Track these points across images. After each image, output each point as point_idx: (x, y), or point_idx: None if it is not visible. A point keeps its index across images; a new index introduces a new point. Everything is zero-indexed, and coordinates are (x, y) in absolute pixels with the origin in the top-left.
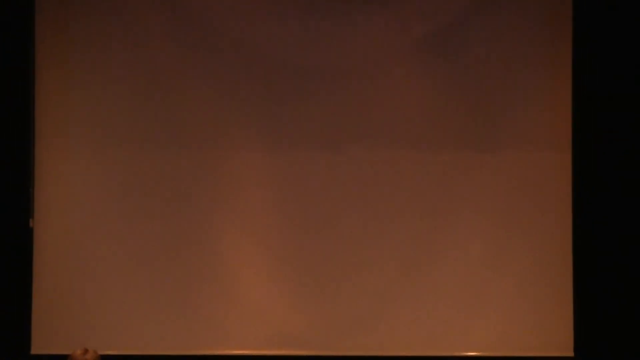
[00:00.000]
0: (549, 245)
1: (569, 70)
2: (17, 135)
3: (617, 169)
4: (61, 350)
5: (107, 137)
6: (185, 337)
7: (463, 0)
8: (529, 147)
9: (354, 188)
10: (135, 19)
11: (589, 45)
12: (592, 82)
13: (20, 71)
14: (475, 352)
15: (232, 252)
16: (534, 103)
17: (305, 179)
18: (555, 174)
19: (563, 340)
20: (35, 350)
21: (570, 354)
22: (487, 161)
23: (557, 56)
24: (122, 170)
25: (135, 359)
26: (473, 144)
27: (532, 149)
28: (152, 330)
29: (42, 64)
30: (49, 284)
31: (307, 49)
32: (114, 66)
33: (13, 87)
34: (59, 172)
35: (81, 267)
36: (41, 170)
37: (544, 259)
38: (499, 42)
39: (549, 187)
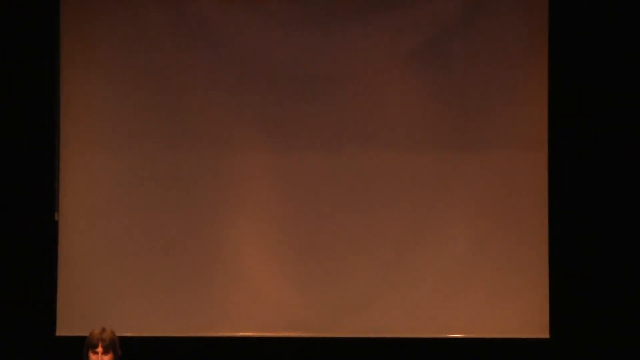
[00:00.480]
0: (527, 236)
1: (545, 78)
2: (43, 137)
3: (588, 166)
4: (83, 332)
5: (125, 138)
6: (194, 320)
7: (449, 15)
8: (509, 146)
9: (351, 184)
10: (151, 30)
11: (562, 57)
12: (565, 89)
13: (46, 77)
14: (459, 334)
15: (237, 242)
16: (514, 107)
17: (305, 176)
18: (532, 171)
19: (539, 322)
20: (60, 332)
21: (546, 335)
22: (471, 160)
23: (533, 65)
24: (138, 167)
25: (150, 340)
26: (459, 144)
27: (512, 148)
28: (165, 313)
29: (66, 71)
30: (72, 271)
31: (308, 57)
32: (132, 73)
33: (39, 92)
34: (82, 170)
35: (101, 256)
36: (65, 168)
37: (522, 249)
38: (481, 52)
39: (527, 183)
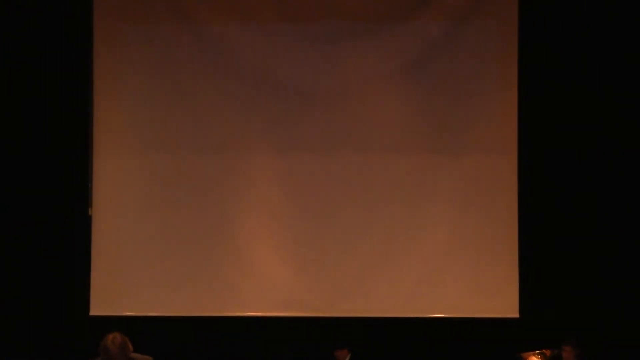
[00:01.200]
0: (499, 229)
1: (515, 93)
2: (79, 144)
3: (552, 166)
4: (113, 312)
5: (149, 143)
6: (208, 301)
7: (431, 38)
8: (484, 151)
9: (345, 183)
10: (173, 51)
11: (530, 75)
12: (532, 102)
13: (81, 93)
14: (440, 314)
15: (247, 234)
16: (487, 117)
17: (306, 176)
18: (504, 171)
19: (510, 304)
20: (93, 312)
21: (516, 315)
22: (451, 162)
23: (504, 81)
24: (161, 168)
25: (170, 319)
26: (440, 149)
27: (486, 152)
28: (183, 295)
29: (98, 86)
30: (103, 259)
31: (308, 74)
32: (156, 88)
33: (75, 105)
34: (111, 172)
35: (128, 245)
36: (97, 170)
37: (495, 240)
38: (459, 69)
39: (499, 182)
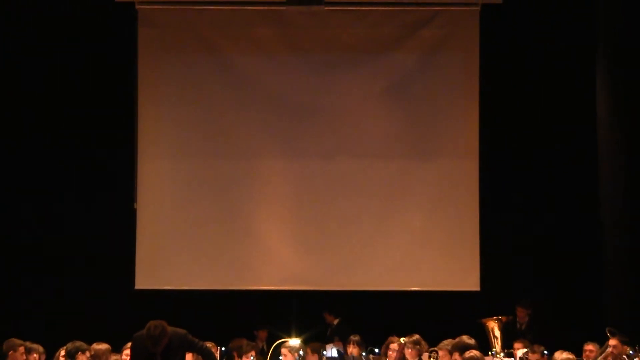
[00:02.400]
0: (463, 218)
1: (476, 109)
2: (126, 149)
3: (506, 168)
4: (156, 286)
5: (184, 149)
6: (229, 277)
7: (408, 66)
8: (451, 156)
9: (340, 182)
10: (203, 77)
11: (488, 95)
12: (490, 117)
13: (127, 105)
14: (415, 287)
15: (260, 223)
16: (454, 129)
17: (308, 176)
18: (467, 172)
19: (472, 280)
20: (137, 286)
21: (477, 288)
22: (424, 166)
23: (468, 100)
24: (193, 170)
25: (198, 292)
26: (415, 155)
27: (453, 158)
28: (210, 271)
29: (142, 104)
30: (146, 243)
31: (311, 95)
32: (189, 104)
33: (124, 120)
34: (152, 172)
35: (166, 232)
36: (141, 171)
37: (460, 227)
38: (431, 90)
39: (463, 181)
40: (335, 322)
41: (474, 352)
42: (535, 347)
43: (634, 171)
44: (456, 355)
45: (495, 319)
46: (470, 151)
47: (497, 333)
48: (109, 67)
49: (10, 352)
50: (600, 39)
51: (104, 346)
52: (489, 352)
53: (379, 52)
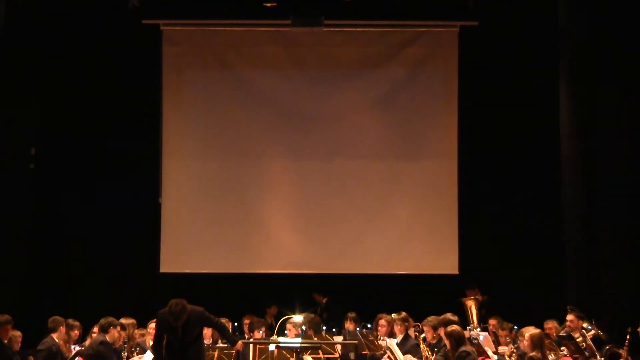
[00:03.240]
0: (444, 212)
1: (455, 116)
2: (152, 150)
3: (482, 167)
4: (178, 270)
5: (203, 151)
6: (240, 262)
7: (397, 79)
8: (433, 157)
9: (338, 180)
10: (220, 90)
11: (465, 104)
12: (468, 123)
13: (154, 113)
14: (402, 271)
15: (268, 215)
16: (435, 134)
17: (309, 175)
18: (447, 171)
19: (452, 264)
20: (162, 270)
21: (456, 272)
22: (410, 165)
23: (448, 109)
24: (210, 169)
25: (214, 275)
26: (401, 156)
27: (435, 158)
28: (224, 257)
29: (166, 112)
30: (169, 232)
31: (311, 105)
32: (207, 112)
33: (149, 122)
34: (175, 171)
35: (187, 224)
36: (166, 170)
37: (441, 219)
38: (414, 100)
39: (444, 179)
40: (324, 301)
41: (455, 327)
42: (504, 324)
43: (589, 171)
44: (440, 330)
45: (473, 298)
46: (450, 153)
47: (474, 311)
48: (139, 80)
49: (55, 328)
50: (563, 57)
51: (130, 320)
52: (467, 327)
53: (371, 67)
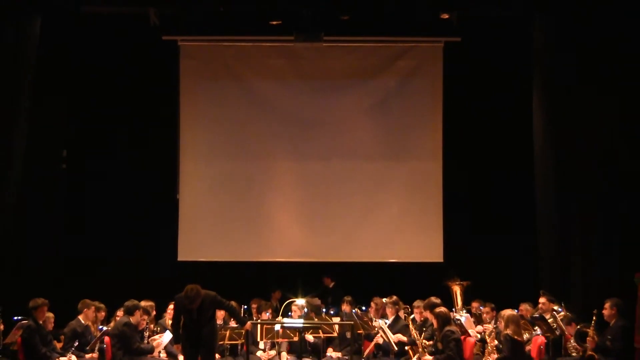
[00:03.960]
0: (430, 207)
1: (440, 122)
2: (170, 152)
3: (464, 167)
4: (194, 258)
5: (216, 152)
6: (249, 251)
7: (387, 88)
8: (420, 159)
9: (335, 178)
10: (232, 98)
11: (449, 111)
12: (451, 128)
13: (172, 118)
14: (392, 259)
15: (274, 209)
16: (422, 137)
17: (310, 173)
18: (433, 170)
19: (437, 253)
20: (180, 258)
21: (441, 260)
22: (399, 166)
23: (433, 114)
24: (223, 168)
25: (225, 263)
26: (393, 158)
27: (422, 160)
28: (234, 246)
29: (183, 119)
30: (186, 224)
31: (313, 111)
32: (220, 118)
33: (167, 127)
34: (191, 170)
35: (202, 217)
36: (183, 169)
37: (427, 214)
38: (404, 107)
39: (430, 177)
40: (332, 285)
41: (443, 308)
42: (487, 304)
43: (559, 171)
44: (427, 312)
45: (458, 284)
46: (436, 155)
47: (459, 295)
48: (159, 89)
49: (84, 309)
50: (536, 73)
51: (149, 303)
52: (451, 310)
53: (365, 78)
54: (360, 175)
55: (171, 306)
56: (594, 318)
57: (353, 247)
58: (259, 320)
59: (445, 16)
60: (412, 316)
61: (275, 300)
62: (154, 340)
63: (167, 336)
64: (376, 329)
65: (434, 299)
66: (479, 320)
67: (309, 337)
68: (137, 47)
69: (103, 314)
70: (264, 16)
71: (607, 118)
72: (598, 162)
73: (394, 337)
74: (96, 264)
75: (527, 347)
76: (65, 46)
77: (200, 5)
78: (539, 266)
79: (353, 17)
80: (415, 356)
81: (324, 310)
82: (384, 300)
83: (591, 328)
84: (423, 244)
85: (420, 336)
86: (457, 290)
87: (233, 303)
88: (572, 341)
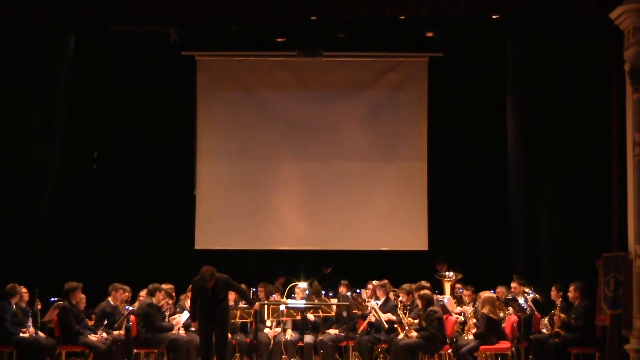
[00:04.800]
0: (417, 202)
1: (425, 127)
2: (188, 153)
3: (448, 166)
4: (209, 246)
5: (230, 153)
6: (258, 240)
7: (378, 98)
8: (407, 159)
9: (334, 177)
10: (244, 107)
11: (433, 118)
12: (435, 132)
13: (190, 123)
14: (384, 247)
15: (280, 203)
16: (410, 140)
17: (311, 173)
18: (419, 172)
19: (422, 242)
20: (197, 247)
21: (426, 248)
22: (389, 166)
23: (419, 120)
24: (236, 168)
25: (235, 251)
26: (384, 159)
27: (409, 160)
28: (245, 237)
29: (200, 124)
30: (202, 217)
31: (313, 118)
32: (232, 123)
33: (186, 133)
34: (207, 169)
35: (217, 211)
36: (199, 168)
37: (414, 209)
38: (393, 115)
39: (417, 176)
40: (328, 271)
41: (426, 291)
42: (468, 286)
43: (530, 169)
44: (415, 294)
45: (448, 279)
46: (421, 156)
47: (448, 288)
48: (178, 99)
49: (113, 292)
50: (508, 83)
51: (169, 285)
52: (435, 292)
53: (360, 89)
54: (355, 174)
55: (189, 288)
56: (559, 300)
57: (349, 236)
58: (265, 302)
59: (430, 34)
60: (400, 298)
61: (279, 284)
62: (174, 319)
63: (185, 315)
64: (369, 309)
65: (423, 283)
66: (459, 302)
67: (310, 316)
68: (159, 61)
69: (128, 294)
70: (270, 34)
71: (565, 124)
72: (564, 155)
73: (385, 317)
74: (122, 251)
75: (503, 325)
76: (97, 62)
77: (215, 25)
78: (513, 255)
79: (349, 35)
80: (403, 333)
81: (323, 292)
82: (374, 282)
83: (557, 309)
84: (410, 234)
85: (406, 315)
86: (446, 285)
87: (243, 286)
88: (545, 320)
